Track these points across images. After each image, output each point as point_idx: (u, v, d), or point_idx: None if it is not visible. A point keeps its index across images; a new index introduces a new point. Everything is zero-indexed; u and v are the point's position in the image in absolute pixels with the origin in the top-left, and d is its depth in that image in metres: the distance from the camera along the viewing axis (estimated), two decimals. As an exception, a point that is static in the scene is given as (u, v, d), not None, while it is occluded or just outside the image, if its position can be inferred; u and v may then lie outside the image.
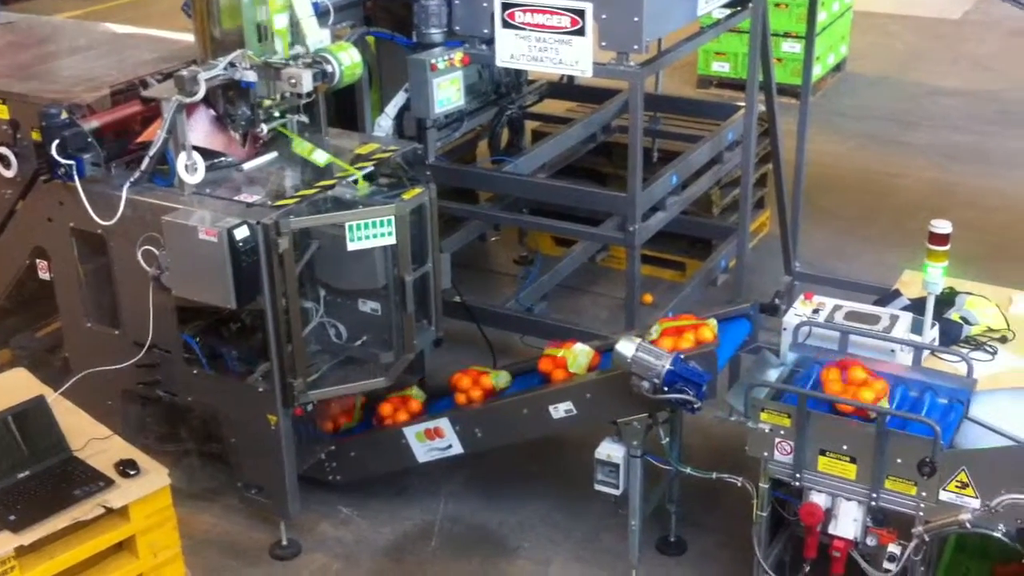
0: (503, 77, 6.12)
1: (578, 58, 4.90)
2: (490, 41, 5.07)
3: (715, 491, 4.38)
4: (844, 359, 4.02)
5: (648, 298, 6.17)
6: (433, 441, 4.55)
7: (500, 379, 4.62)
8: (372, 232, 4.18)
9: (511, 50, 5.01)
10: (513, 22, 4.95)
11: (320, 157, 4.51)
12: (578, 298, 6.51)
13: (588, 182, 6.44)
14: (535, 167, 5.93)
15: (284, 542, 4.66)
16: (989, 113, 9.53)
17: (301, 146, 4.56)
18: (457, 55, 5.08)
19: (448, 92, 5.06)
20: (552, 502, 4.91)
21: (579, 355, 4.43)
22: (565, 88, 6.84)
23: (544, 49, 4.95)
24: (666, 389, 3.89)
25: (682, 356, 3.97)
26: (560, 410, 4.28)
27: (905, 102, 9.83)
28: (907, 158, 8.59)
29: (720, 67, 9.75)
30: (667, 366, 3.87)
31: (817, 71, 9.68)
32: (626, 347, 3.93)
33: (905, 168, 8.38)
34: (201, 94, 4.24)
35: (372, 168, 4.50)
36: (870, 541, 3.82)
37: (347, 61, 4.49)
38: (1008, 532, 3.60)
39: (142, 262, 4.34)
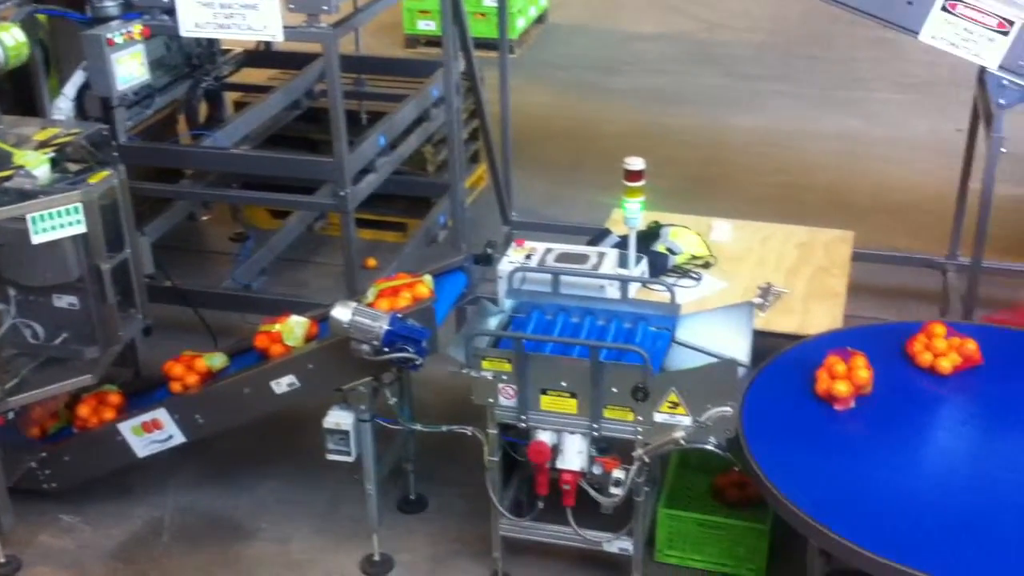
0: (194, 48, 5.87)
1: (266, 23, 4.76)
2: (171, 10, 4.83)
3: (452, 444, 4.39)
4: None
5: (371, 262, 6.13)
6: (152, 433, 4.35)
7: (216, 361, 4.46)
8: (58, 222, 3.93)
9: (195, 18, 4.80)
10: (194, -11, 4.74)
11: None
12: (299, 270, 6.39)
13: (299, 150, 6.31)
14: (237, 139, 5.73)
15: (1, 559, 4.35)
16: (684, 54, 10.00)
17: None
18: (136, 28, 4.81)
19: (130, 68, 4.79)
20: (287, 479, 4.82)
21: (295, 327, 4.34)
22: (264, 55, 6.63)
23: (230, 15, 4.77)
24: (386, 350, 3.86)
25: (399, 315, 3.96)
26: (283, 384, 4.17)
27: (607, 49, 10.16)
28: (612, 103, 8.90)
29: (426, 25, 9.77)
30: (385, 327, 3.85)
31: (521, 24, 9.90)
32: (342, 313, 3.87)
33: (611, 113, 8.69)
34: None
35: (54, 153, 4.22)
36: (596, 470, 3.94)
37: (10, 42, 4.20)
38: (719, 444, 3.80)
39: None
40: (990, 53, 4.60)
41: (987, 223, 4.99)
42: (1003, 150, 4.78)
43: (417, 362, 3.91)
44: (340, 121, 4.89)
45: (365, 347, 3.87)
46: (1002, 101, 4.66)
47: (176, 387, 4.38)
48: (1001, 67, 4.62)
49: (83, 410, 4.48)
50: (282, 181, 5.75)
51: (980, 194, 4.96)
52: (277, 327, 4.35)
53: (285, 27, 4.77)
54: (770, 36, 10.34)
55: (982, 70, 4.79)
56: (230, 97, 6.78)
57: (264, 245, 6.03)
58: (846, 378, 3.94)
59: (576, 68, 9.70)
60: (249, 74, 6.82)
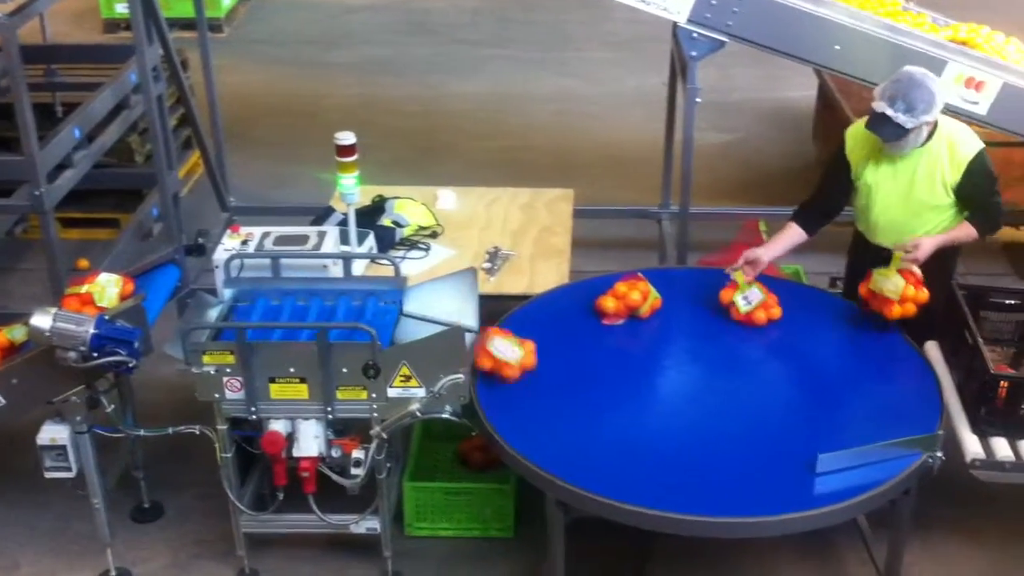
0: None
1: (-70, 15, 4.36)
2: None
3: (184, 445, 4.20)
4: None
5: (84, 263, 5.75)
6: None
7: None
8: None
9: None
10: None
11: None
12: (3, 279, 5.95)
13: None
14: (-86, 143, 5.25)
15: None
16: (399, 24, 9.98)
17: None
18: None
19: None
20: (7, 502, 4.49)
21: (106, 286, 3.95)
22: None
23: None
24: (95, 355, 3.65)
25: (106, 317, 3.73)
26: (-15, 404, 3.86)
27: (320, 23, 10.00)
28: (331, 77, 8.78)
29: (124, 8, 9.22)
30: (91, 330, 3.62)
31: (227, 1, 9.57)
32: (42, 320, 3.62)
33: (330, 88, 8.56)
34: None
35: None
36: (335, 453, 3.88)
37: None
38: (455, 411, 3.82)
39: None
40: (678, 7, 4.79)
41: (691, 171, 5.22)
42: (699, 100, 5.00)
43: (130, 364, 3.71)
44: (27, 115, 4.55)
45: (72, 354, 3.64)
46: (694, 53, 4.87)
47: None
48: (690, 20, 4.82)
49: None
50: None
51: (682, 144, 5.17)
52: (86, 288, 3.94)
53: (-46, 19, 4.38)
54: (483, 2, 10.46)
55: (675, 24, 4.98)
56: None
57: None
58: (620, 298, 4.20)
59: (290, 44, 9.50)
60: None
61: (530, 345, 3.95)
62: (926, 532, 4.25)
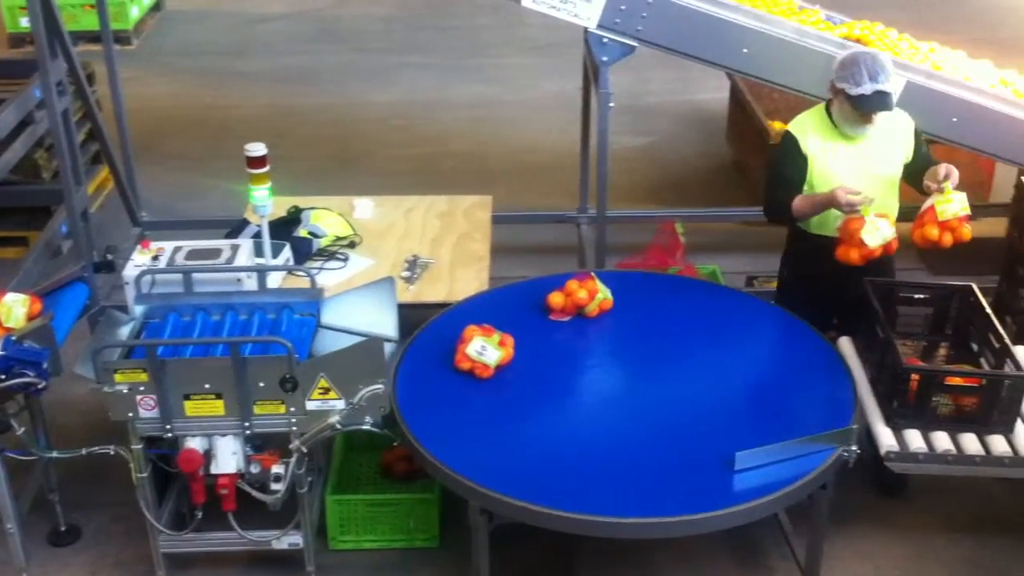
0: None
1: None
2: None
3: (100, 466, 4.11)
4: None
5: (-8, 283, 5.62)
6: None
7: None
8: None
9: None
10: None
11: None
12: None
13: None
14: None
15: None
16: (312, 33, 9.92)
17: None
18: None
19: None
20: (-85, 533, 4.35)
21: (12, 306, 3.83)
22: None
23: None
24: (3, 377, 3.56)
25: (13, 338, 3.64)
26: None
27: (231, 33, 9.88)
28: (242, 88, 8.68)
29: (29, 22, 9.04)
30: (-3, 353, 3.54)
31: (135, 13, 9.41)
32: (-56, 344, 3.51)
33: (242, 98, 8.46)
34: None
35: None
36: (254, 469, 3.83)
37: None
38: (375, 422, 3.78)
39: None
40: (588, 13, 4.81)
41: (606, 176, 5.23)
42: (612, 105, 5.02)
43: (39, 386, 3.62)
44: (-73, 133, 4.43)
45: (-24, 378, 3.54)
46: (604, 58, 4.89)
47: None
48: (600, 26, 4.84)
49: None
50: None
51: (597, 148, 5.20)
52: None
53: None
54: (395, 9, 10.43)
55: (586, 30, 5.00)
56: None
57: None
58: (568, 295, 4.25)
59: (201, 55, 9.36)
60: None
61: (509, 340, 3.98)
62: (846, 525, 4.32)
